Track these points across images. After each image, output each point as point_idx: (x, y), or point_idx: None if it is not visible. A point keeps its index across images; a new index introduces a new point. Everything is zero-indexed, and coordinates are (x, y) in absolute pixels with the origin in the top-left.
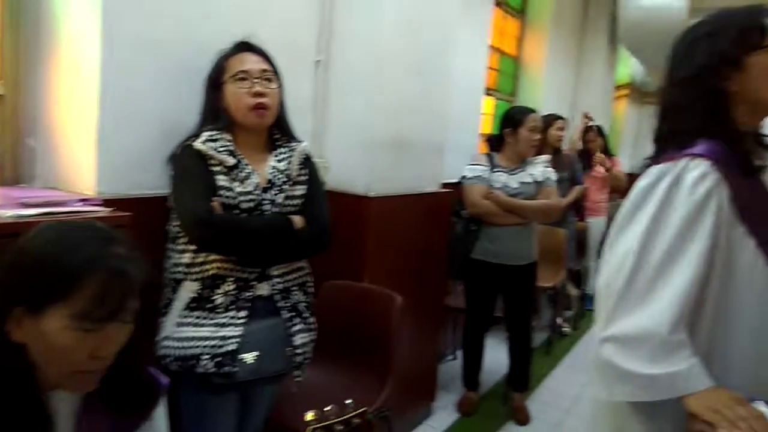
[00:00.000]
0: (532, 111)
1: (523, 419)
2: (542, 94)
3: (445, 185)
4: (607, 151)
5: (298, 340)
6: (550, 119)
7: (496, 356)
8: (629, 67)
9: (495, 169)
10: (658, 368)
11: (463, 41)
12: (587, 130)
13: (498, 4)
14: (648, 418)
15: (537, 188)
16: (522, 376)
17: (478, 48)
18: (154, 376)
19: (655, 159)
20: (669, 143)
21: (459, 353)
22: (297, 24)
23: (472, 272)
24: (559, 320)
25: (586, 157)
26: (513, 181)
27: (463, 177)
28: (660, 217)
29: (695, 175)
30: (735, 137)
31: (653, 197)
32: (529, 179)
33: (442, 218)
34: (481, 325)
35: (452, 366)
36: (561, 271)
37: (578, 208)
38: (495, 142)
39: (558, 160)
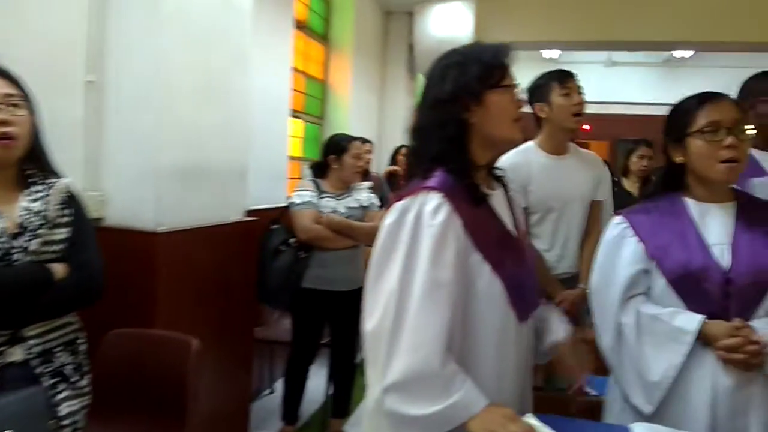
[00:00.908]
0: (354, 138)
1: None
2: (349, 118)
3: (251, 212)
4: None
5: (65, 409)
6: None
7: (312, 384)
8: None
9: (322, 195)
10: (440, 404)
11: (264, 62)
12: (399, 148)
13: (299, 28)
14: None
15: (362, 213)
16: (344, 402)
17: (280, 70)
18: None
19: (399, 193)
20: (414, 167)
21: (277, 386)
22: (60, 40)
23: (302, 302)
24: None
25: (396, 176)
26: (341, 207)
27: (292, 203)
28: (410, 256)
29: (430, 208)
30: (466, 167)
31: (401, 236)
32: (355, 204)
33: (247, 248)
34: (307, 355)
35: (269, 401)
36: None
37: None
38: (319, 169)
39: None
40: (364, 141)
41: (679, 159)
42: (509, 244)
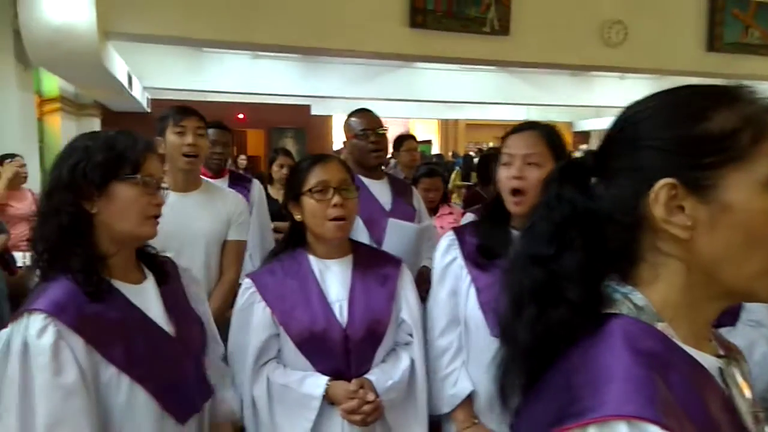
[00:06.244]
0: None
1: None
2: None
3: None
4: None
5: None
6: None
7: None
8: (58, 80)
9: None
10: None
11: None
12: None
13: None
14: None
15: None
16: None
17: None
18: None
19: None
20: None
21: None
22: None
23: None
24: None
25: None
26: None
27: None
28: (25, 394)
29: (35, 333)
30: (86, 262)
31: (10, 373)
32: None
33: None
34: None
35: None
36: None
37: (5, 260)
38: None
39: None
40: None
41: (298, 217)
42: (156, 344)
